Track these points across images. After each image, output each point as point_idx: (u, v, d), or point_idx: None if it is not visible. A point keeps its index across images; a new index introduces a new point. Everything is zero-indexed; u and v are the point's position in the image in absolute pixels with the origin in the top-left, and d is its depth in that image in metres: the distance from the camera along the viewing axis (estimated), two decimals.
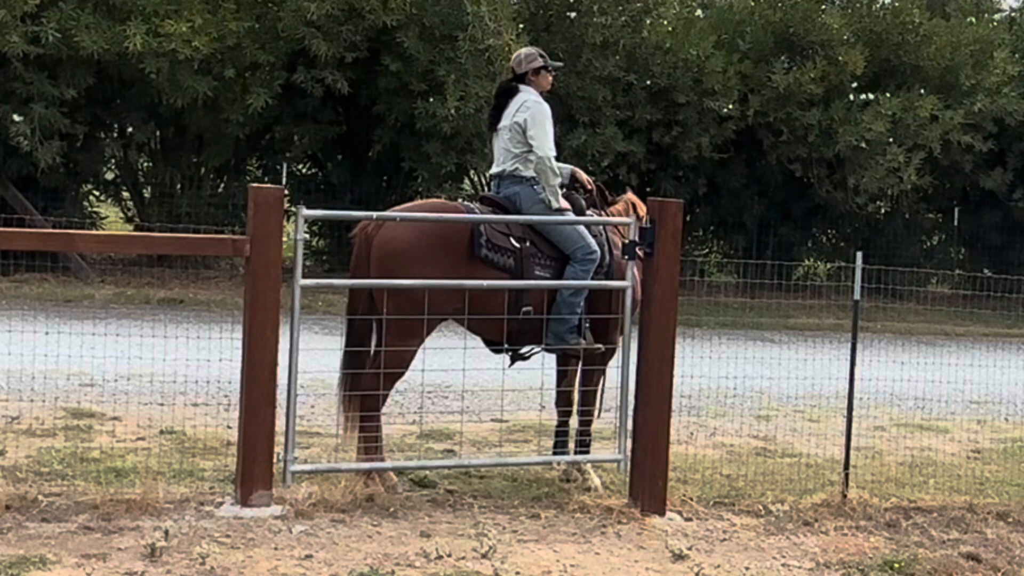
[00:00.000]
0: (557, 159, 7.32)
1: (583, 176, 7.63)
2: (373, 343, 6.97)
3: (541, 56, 7.49)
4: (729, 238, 19.84)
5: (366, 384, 6.85)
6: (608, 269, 7.26)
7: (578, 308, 7.11)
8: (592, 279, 7.14)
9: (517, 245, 7.06)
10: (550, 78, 7.51)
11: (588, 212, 7.51)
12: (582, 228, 7.23)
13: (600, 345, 7.21)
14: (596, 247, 7.18)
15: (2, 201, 16.19)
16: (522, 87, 7.42)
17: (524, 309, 7.02)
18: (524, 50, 7.66)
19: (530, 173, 7.27)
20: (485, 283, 6.87)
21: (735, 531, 6.66)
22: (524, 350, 7.35)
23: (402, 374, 7.01)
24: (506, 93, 7.49)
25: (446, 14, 16.33)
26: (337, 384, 7.09)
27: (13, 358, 8.44)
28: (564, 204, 7.31)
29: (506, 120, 7.33)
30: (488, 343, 7.39)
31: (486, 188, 14.03)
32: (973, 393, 10.71)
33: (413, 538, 6.06)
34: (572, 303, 7.09)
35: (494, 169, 7.48)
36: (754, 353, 11.56)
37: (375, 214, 7.07)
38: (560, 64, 7.64)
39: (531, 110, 7.23)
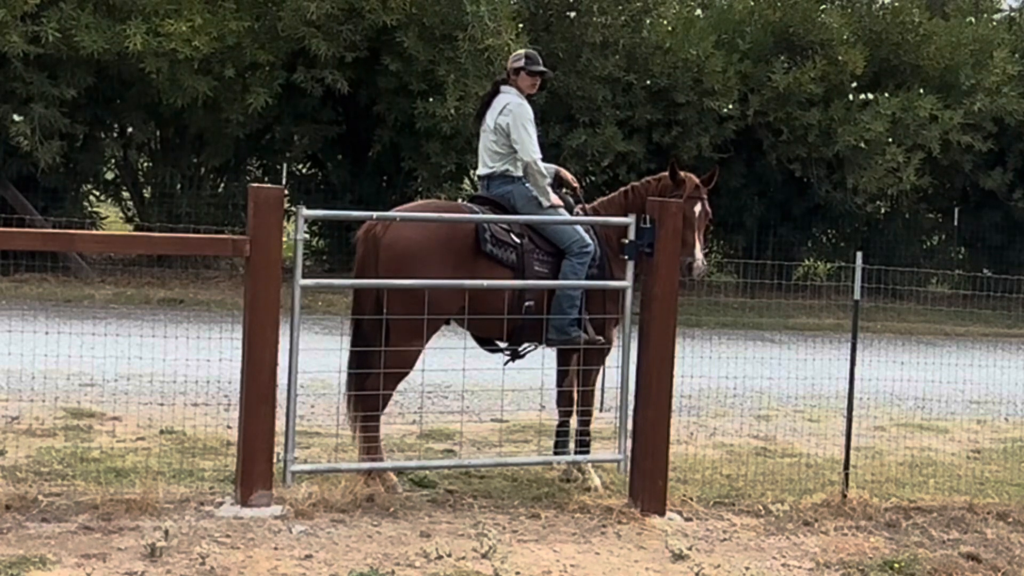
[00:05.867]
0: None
1: (567, 175, 7.75)
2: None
3: (527, 58, 7.50)
4: (729, 238, 19.84)
5: (373, 384, 6.86)
6: (600, 263, 7.30)
7: (578, 301, 7.15)
8: (586, 272, 7.20)
9: (518, 241, 7.15)
10: (530, 80, 7.48)
11: (575, 209, 7.60)
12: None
13: (601, 338, 7.24)
14: (589, 241, 7.28)
15: (2, 201, 16.19)
16: (504, 87, 7.48)
17: (527, 304, 7.10)
18: (519, 51, 7.71)
19: (520, 172, 7.38)
20: (485, 283, 6.89)
21: (735, 531, 6.66)
22: (522, 348, 7.38)
23: (406, 374, 7.03)
24: (490, 92, 7.57)
25: (446, 14, 16.33)
26: (344, 384, 7.09)
27: (13, 358, 8.44)
28: (557, 201, 7.37)
29: (489, 121, 7.41)
30: (482, 341, 7.40)
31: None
32: (973, 393, 10.72)
33: (413, 538, 6.07)
34: (572, 297, 7.17)
35: (482, 171, 7.53)
36: (754, 353, 11.57)
37: (375, 214, 7.09)
38: (540, 68, 7.49)
39: (513, 113, 7.28)
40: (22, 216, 15.68)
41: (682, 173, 7.58)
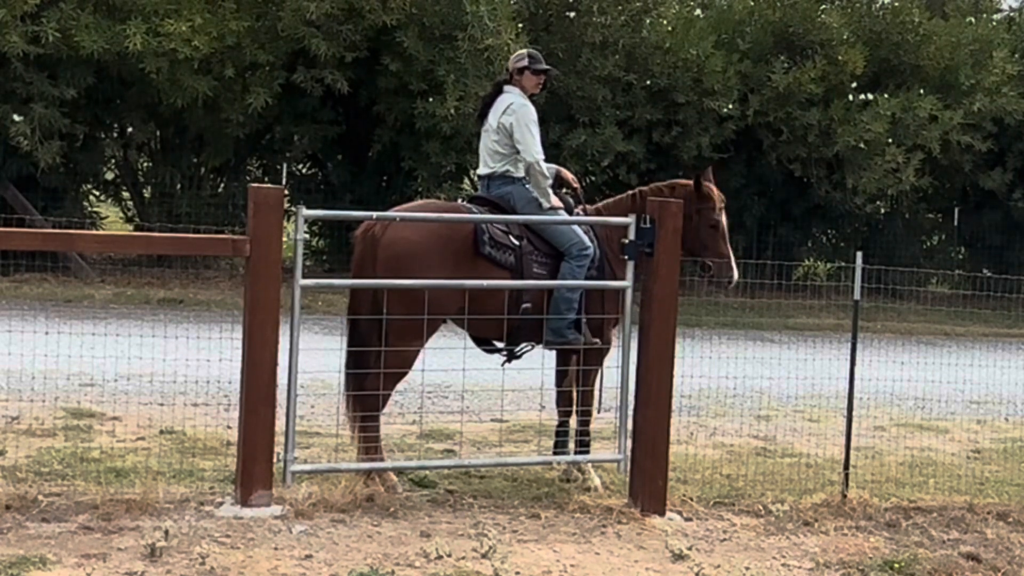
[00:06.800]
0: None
1: (568, 175, 7.74)
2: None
3: (530, 57, 7.49)
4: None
5: (372, 384, 6.85)
6: (600, 265, 7.30)
7: (576, 304, 7.15)
8: (585, 275, 7.19)
9: (517, 243, 7.14)
10: (535, 79, 7.47)
11: (576, 210, 7.59)
12: (575, 225, 7.30)
13: (597, 340, 7.23)
14: (589, 243, 7.27)
15: (2, 201, 16.19)
16: (507, 87, 7.46)
17: (524, 306, 7.09)
18: (520, 51, 7.70)
19: (521, 173, 7.35)
20: (485, 283, 6.90)
21: (735, 531, 6.66)
22: (519, 348, 7.38)
23: (405, 374, 7.03)
24: (492, 93, 7.55)
25: (445, 14, 16.34)
26: (343, 384, 7.09)
27: (13, 358, 8.43)
28: (557, 203, 7.36)
29: (492, 121, 7.39)
30: (479, 341, 7.39)
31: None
32: (973, 393, 10.71)
33: (413, 538, 6.06)
34: (570, 299, 7.16)
35: (482, 171, 7.52)
36: (754, 353, 11.56)
37: (375, 214, 7.08)
38: (544, 67, 7.51)
39: (516, 113, 7.26)
40: (22, 216, 15.68)
41: (706, 184, 7.59)
